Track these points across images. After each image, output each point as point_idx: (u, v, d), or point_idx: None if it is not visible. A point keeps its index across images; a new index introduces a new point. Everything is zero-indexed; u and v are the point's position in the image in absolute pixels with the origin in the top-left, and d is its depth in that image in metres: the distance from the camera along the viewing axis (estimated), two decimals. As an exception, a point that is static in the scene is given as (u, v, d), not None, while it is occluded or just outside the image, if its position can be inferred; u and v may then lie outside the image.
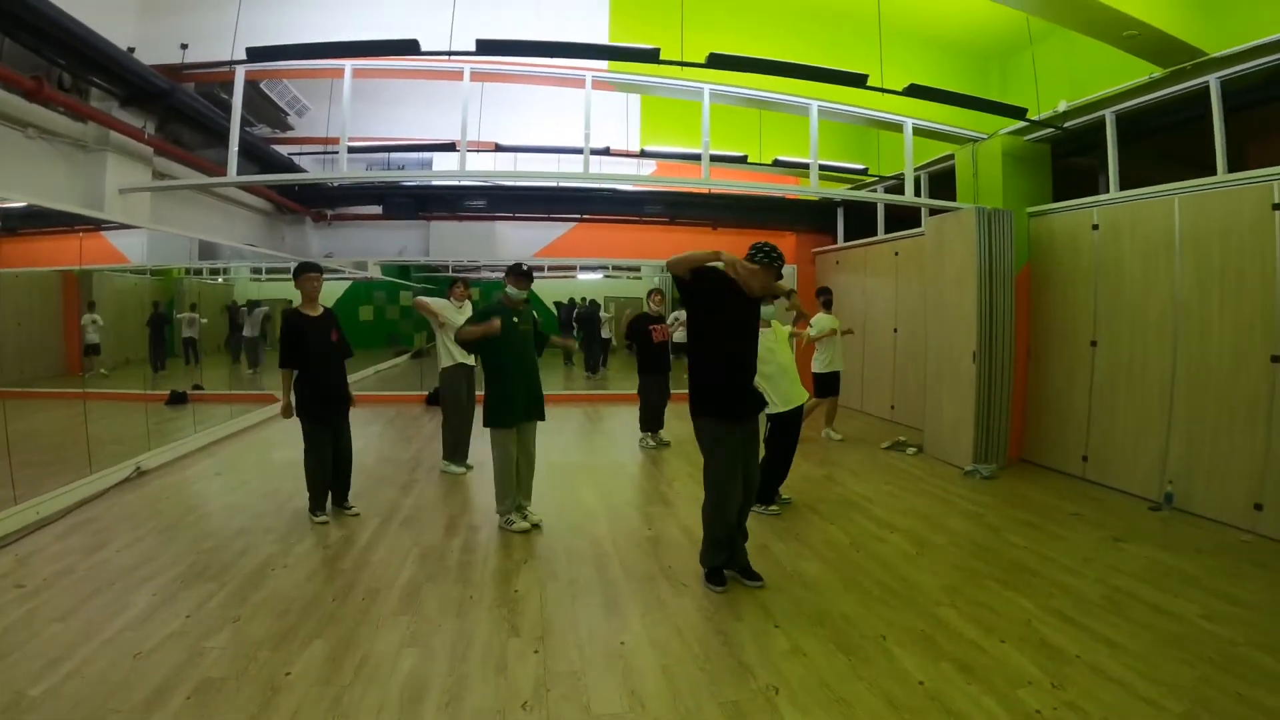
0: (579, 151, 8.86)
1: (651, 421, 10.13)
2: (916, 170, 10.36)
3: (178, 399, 11.40)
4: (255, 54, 7.52)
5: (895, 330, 12.27)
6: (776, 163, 12.27)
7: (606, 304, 23.16)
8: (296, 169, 12.40)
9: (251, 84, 10.20)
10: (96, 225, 8.29)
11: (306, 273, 6.73)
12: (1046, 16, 7.34)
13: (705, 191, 14.04)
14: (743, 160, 12.24)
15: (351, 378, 6.96)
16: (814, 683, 3.85)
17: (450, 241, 15.10)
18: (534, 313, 6.78)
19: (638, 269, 23.85)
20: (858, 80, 7.89)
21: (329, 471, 6.69)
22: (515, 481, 6.45)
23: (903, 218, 12.30)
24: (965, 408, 8.80)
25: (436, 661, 4.03)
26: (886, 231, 12.93)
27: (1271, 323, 6.29)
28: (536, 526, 6.45)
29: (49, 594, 4.84)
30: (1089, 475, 8.21)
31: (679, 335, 12.72)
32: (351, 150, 8.88)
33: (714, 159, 9.21)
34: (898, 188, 10.70)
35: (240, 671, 3.86)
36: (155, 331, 11.99)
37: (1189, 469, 7.04)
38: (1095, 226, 8.15)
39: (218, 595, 4.89)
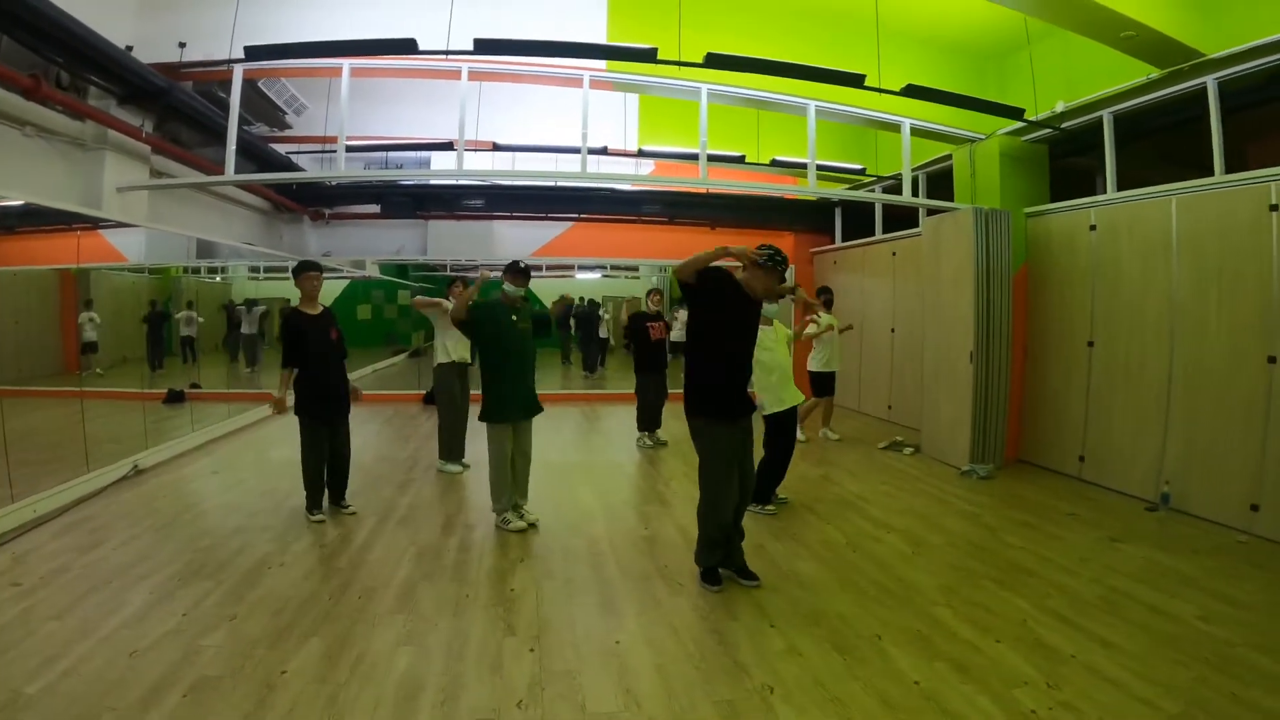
0: (577, 151, 8.85)
1: (649, 421, 10.13)
2: (914, 170, 10.35)
3: (175, 397, 11.41)
4: (253, 53, 7.53)
5: (893, 330, 12.27)
6: (774, 163, 12.27)
7: (604, 303, 23.18)
8: (294, 168, 12.40)
9: (249, 83, 10.19)
10: (94, 224, 8.28)
11: (307, 271, 6.73)
12: (1044, 17, 7.36)
13: (703, 191, 14.05)
14: (741, 160, 12.25)
15: (349, 376, 6.96)
16: (809, 682, 3.85)
17: (448, 241, 15.09)
18: (531, 305, 6.77)
19: (635, 269, 23.86)
20: (855, 80, 7.90)
21: (325, 470, 6.70)
22: (511, 480, 6.46)
23: (900, 218, 12.30)
24: (962, 408, 8.81)
25: (432, 660, 4.03)
26: (884, 232, 12.93)
27: (1268, 323, 6.30)
28: (533, 525, 6.45)
29: (45, 592, 4.84)
30: (1086, 475, 8.22)
31: (677, 334, 12.75)
32: (349, 149, 8.87)
33: (712, 159, 9.23)
34: (895, 188, 10.69)
35: (236, 669, 3.86)
36: (153, 330, 11.99)
37: (1186, 469, 7.04)
38: (1093, 227, 8.15)
39: (214, 593, 4.88)
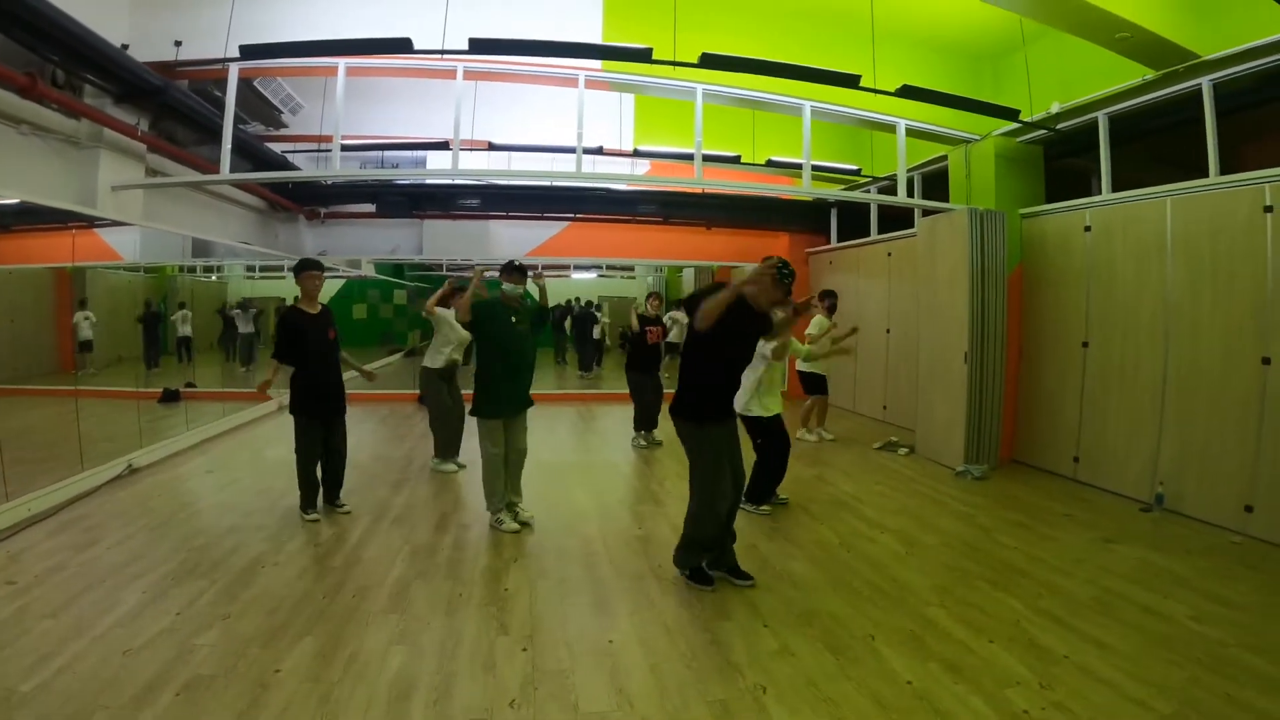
0: (572, 151, 8.85)
1: (647, 421, 10.13)
2: (909, 171, 10.36)
3: (170, 397, 11.39)
4: (248, 52, 7.52)
5: (888, 331, 12.28)
6: (770, 163, 12.30)
7: (600, 303, 23.20)
8: (290, 167, 12.40)
9: (245, 81, 10.19)
10: (90, 222, 8.26)
11: (309, 270, 6.73)
12: (1039, 18, 7.37)
13: (699, 191, 14.05)
14: (736, 160, 12.27)
15: (345, 376, 6.96)
16: (802, 682, 3.85)
17: (443, 240, 15.08)
18: (529, 303, 6.76)
19: (631, 268, 23.90)
20: (851, 81, 7.90)
21: (319, 469, 6.69)
22: (505, 478, 6.46)
23: (896, 218, 12.33)
24: (957, 408, 8.82)
25: (425, 659, 4.04)
26: (880, 232, 12.94)
27: (1262, 324, 6.31)
28: (527, 524, 6.46)
29: (40, 591, 4.83)
30: (1080, 476, 8.23)
31: (674, 335, 12.74)
32: (345, 148, 8.87)
33: (707, 159, 9.22)
34: (891, 188, 10.72)
35: (230, 669, 3.86)
36: (149, 330, 11.98)
37: (1180, 470, 7.06)
38: (1087, 228, 8.16)
39: (208, 592, 4.88)
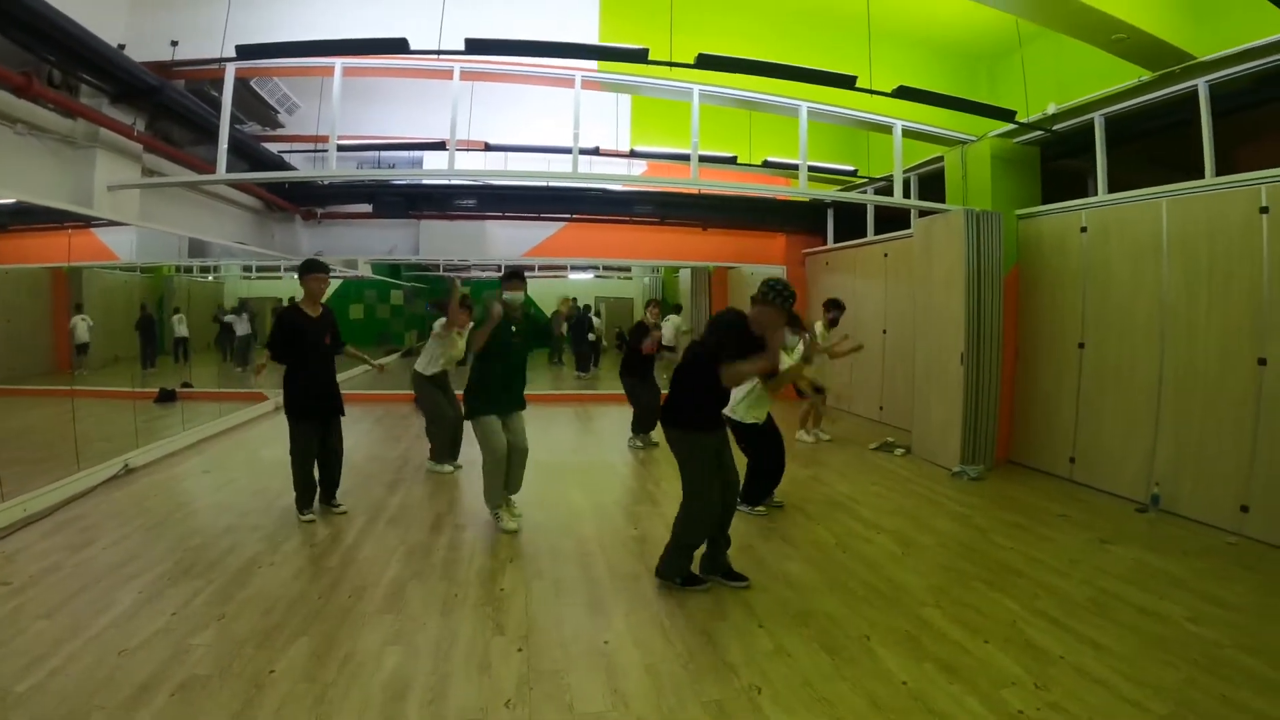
0: (569, 151, 8.85)
1: (647, 423, 10.12)
2: (906, 172, 10.37)
3: (166, 397, 11.39)
4: (245, 52, 7.52)
5: (884, 332, 12.28)
6: (766, 164, 12.30)
7: (597, 305, 23.25)
8: (286, 167, 12.35)
9: (241, 81, 10.16)
10: (86, 222, 8.26)
11: (315, 272, 6.68)
12: (1035, 19, 7.38)
13: (695, 192, 14.03)
14: (732, 161, 12.26)
15: (341, 376, 6.95)
16: (797, 682, 3.86)
17: (440, 240, 15.05)
18: (530, 311, 6.76)
19: (628, 269, 23.91)
20: (847, 82, 7.90)
21: (314, 470, 6.69)
22: (505, 476, 6.47)
23: (892, 219, 12.33)
24: (953, 409, 8.82)
25: (420, 659, 4.04)
26: (876, 233, 12.94)
27: (1258, 325, 6.32)
28: (513, 531, 6.47)
29: (35, 591, 4.83)
30: (1076, 477, 8.24)
31: (669, 337, 12.77)
32: (341, 148, 8.87)
33: (703, 159, 9.23)
34: (887, 189, 10.71)
35: (225, 669, 3.86)
36: (145, 333, 11.99)
37: (1176, 471, 7.06)
38: (1083, 229, 8.17)
39: (204, 593, 4.88)
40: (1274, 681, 3.89)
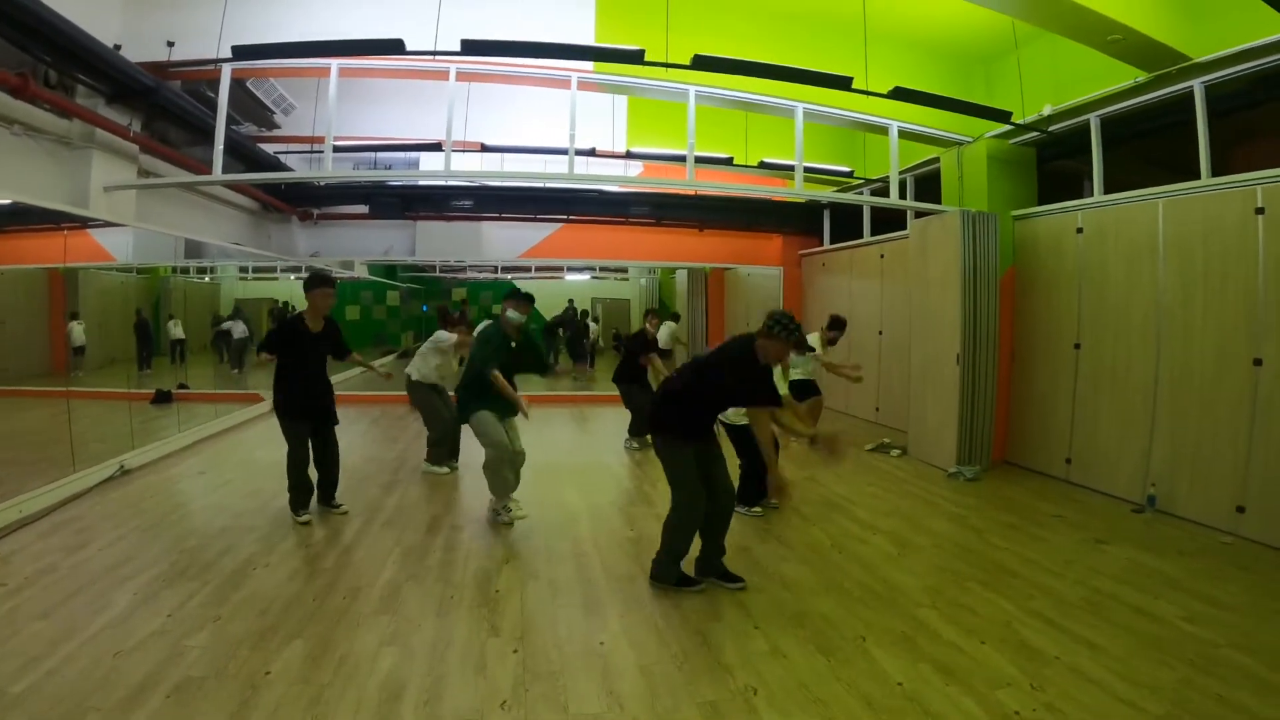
0: (565, 152, 8.86)
1: (643, 427, 10.11)
2: (902, 173, 10.39)
3: (162, 398, 11.37)
4: (241, 52, 7.51)
5: (880, 333, 12.29)
6: (762, 165, 12.31)
7: (593, 306, 23.25)
8: (282, 168, 12.37)
9: (238, 82, 10.17)
10: (82, 223, 8.25)
11: (321, 287, 6.59)
12: (1031, 20, 7.39)
13: (692, 193, 14.03)
14: (729, 162, 12.27)
15: (337, 378, 6.95)
16: (792, 683, 3.85)
17: (436, 241, 15.05)
18: (533, 336, 6.82)
19: (625, 270, 23.89)
20: (843, 83, 7.91)
21: (308, 471, 6.67)
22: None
23: (888, 220, 12.32)
24: (949, 410, 8.83)
25: (416, 661, 4.03)
26: (872, 234, 12.94)
27: (1254, 326, 6.33)
28: (510, 525, 6.51)
29: (31, 592, 4.82)
30: (1072, 477, 8.24)
31: (664, 340, 12.80)
32: (337, 149, 8.86)
33: (700, 160, 9.22)
34: (883, 190, 10.72)
35: (220, 670, 3.85)
36: (141, 336, 11.97)
37: (1172, 471, 7.07)
38: (1079, 230, 8.18)
39: (199, 594, 4.87)
40: (1270, 681, 3.89)
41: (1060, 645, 4.32)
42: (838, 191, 13.64)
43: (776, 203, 15.08)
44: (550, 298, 24.31)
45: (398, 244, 15.04)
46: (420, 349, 8.66)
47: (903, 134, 9.54)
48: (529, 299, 6.61)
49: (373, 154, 14.25)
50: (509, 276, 23.36)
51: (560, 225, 15.32)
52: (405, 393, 8.59)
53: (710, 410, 5.22)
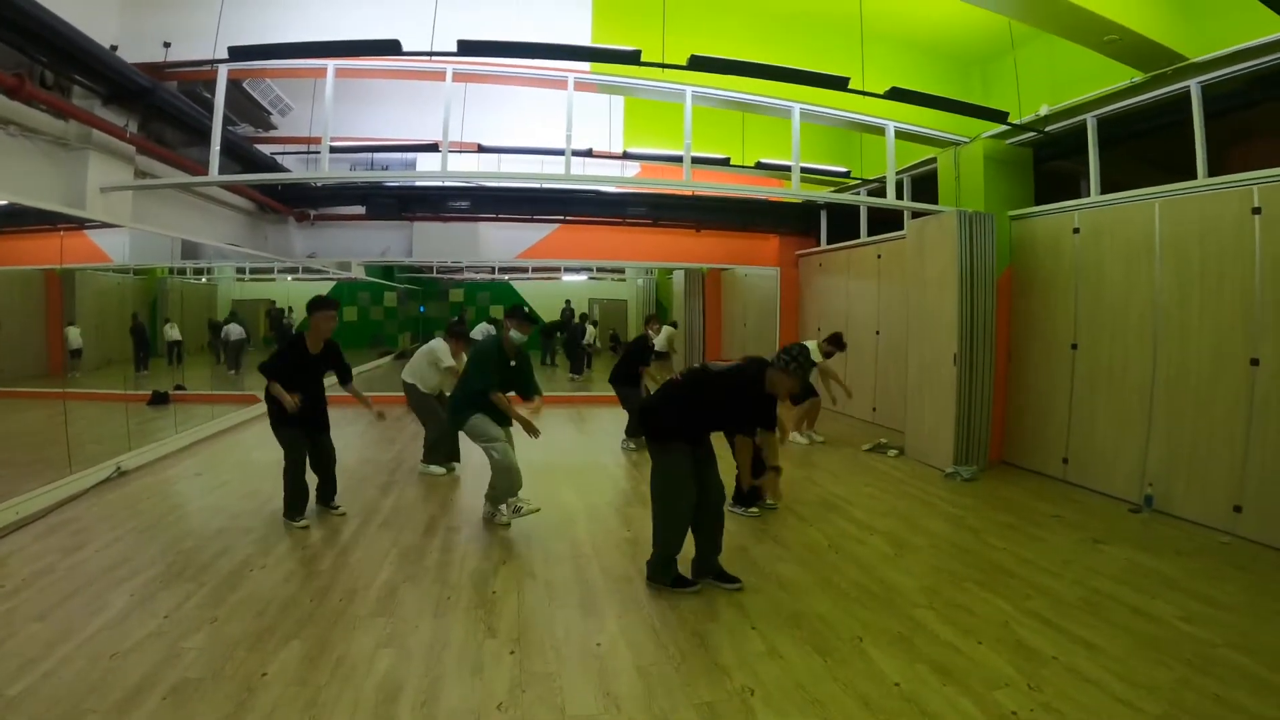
0: (561, 153, 8.86)
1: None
2: (898, 173, 10.40)
3: (159, 399, 11.36)
4: (237, 53, 7.49)
5: (877, 333, 12.29)
6: (759, 165, 12.30)
7: (590, 307, 23.26)
8: (279, 168, 12.35)
9: (234, 83, 10.15)
10: (79, 224, 8.24)
11: (324, 310, 6.60)
12: (1028, 21, 7.38)
13: (688, 194, 14.02)
14: (725, 162, 12.26)
15: (335, 378, 6.92)
16: (789, 684, 3.85)
17: (433, 242, 15.05)
18: (528, 357, 6.85)
19: (622, 271, 23.91)
20: (839, 83, 7.90)
21: (305, 475, 6.65)
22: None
23: (885, 220, 12.33)
24: (946, 410, 8.83)
25: (412, 662, 4.02)
26: (869, 234, 12.95)
27: (1250, 326, 6.34)
28: (507, 525, 6.51)
29: (28, 593, 4.82)
30: (1069, 477, 8.25)
31: (661, 344, 12.81)
32: (334, 150, 8.87)
33: (696, 161, 9.24)
34: (880, 190, 10.72)
35: (217, 672, 3.84)
36: (138, 338, 11.97)
37: (1169, 471, 7.08)
38: (1076, 230, 8.19)
39: (196, 596, 4.86)
40: (1267, 681, 3.90)
41: (1058, 645, 4.32)
42: (835, 192, 13.65)
43: (773, 203, 15.10)
44: (547, 298, 24.37)
45: (395, 245, 15.03)
46: (418, 352, 8.64)
47: (899, 134, 9.54)
48: (531, 320, 6.66)
49: (369, 155, 14.21)
50: (506, 277, 23.41)
51: (557, 226, 15.32)
52: (403, 394, 8.57)
53: (707, 423, 5.22)
